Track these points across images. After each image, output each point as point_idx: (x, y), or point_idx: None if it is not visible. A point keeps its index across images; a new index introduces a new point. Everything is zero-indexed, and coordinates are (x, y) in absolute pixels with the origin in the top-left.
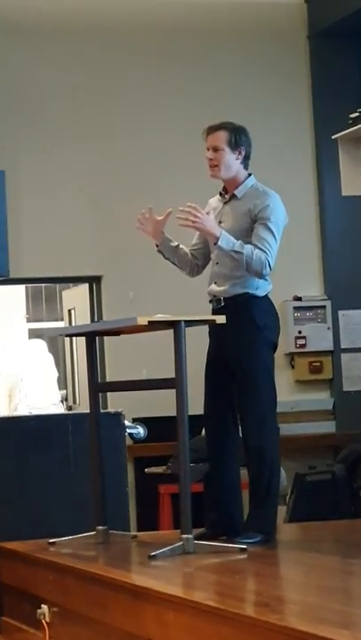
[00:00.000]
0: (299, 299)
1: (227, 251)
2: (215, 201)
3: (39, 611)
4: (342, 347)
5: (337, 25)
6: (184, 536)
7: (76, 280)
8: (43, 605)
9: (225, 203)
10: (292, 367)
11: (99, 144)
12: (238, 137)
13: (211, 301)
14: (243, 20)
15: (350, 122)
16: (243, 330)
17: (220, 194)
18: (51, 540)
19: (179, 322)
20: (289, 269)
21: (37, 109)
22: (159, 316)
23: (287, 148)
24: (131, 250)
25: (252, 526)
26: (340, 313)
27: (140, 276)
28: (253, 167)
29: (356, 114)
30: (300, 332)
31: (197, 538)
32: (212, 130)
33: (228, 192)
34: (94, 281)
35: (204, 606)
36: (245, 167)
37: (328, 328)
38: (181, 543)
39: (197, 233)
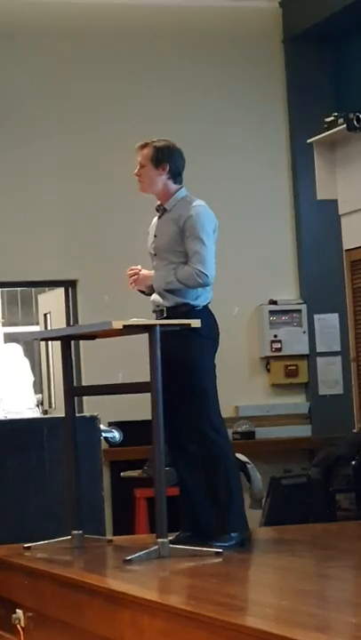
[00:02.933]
0: (274, 302)
1: (165, 287)
2: (156, 217)
3: (14, 615)
4: (318, 350)
5: (312, 29)
6: (159, 540)
7: (52, 284)
8: (18, 610)
9: (159, 217)
10: (268, 371)
11: (74, 147)
12: (161, 154)
13: (154, 311)
14: (217, 25)
15: (325, 126)
16: (186, 337)
17: (156, 209)
18: (26, 545)
19: (154, 326)
20: (264, 273)
21: (8, 112)
22: (134, 320)
23: (263, 151)
24: (106, 254)
25: (224, 528)
26: (316, 317)
27: (116, 279)
28: (230, 172)
29: (332, 118)
30: (275, 336)
31: (173, 542)
32: (139, 147)
33: (160, 207)
34: (70, 285)
35: (179, 610)
36: (177, 182)
37: (304, 332)
38: (157, 547)
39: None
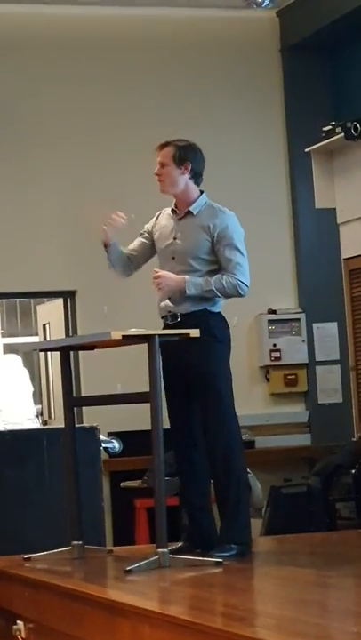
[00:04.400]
0: (273, 312)
1: (198, 295)
2: (165, 217)
3: (15, 627)
4: (317, 359)
5: (309, 38)
6: (160, 550)
7: (51, 295)
8: (18, 621)
9: (179, 219)
10: (268, 380)
11: (72, 158)
12: (184, 153)
13: (165, 317)
14: (215, 34)
15: (323, 135)
16: (203, 343)
17: (173, 210)
18: (26, 556)
19: (153, 336)
20: (263, 282)
21: (6, 124)
22: (133, 331)
23: (261, 161)
24: (105, 264)
25: (226, 539)
26: (315, 326)
27: (115, 290)
28: (228, 180)
29: (329, 127)
30: (274, 345)
31: (174, 552)
32: (160, 146)
33: (180, 209)
34: (69, 295)
35: (180, 621)
36: (197, 184)
37: (303, 341)
38: (157, 557)
39: (138, 239)
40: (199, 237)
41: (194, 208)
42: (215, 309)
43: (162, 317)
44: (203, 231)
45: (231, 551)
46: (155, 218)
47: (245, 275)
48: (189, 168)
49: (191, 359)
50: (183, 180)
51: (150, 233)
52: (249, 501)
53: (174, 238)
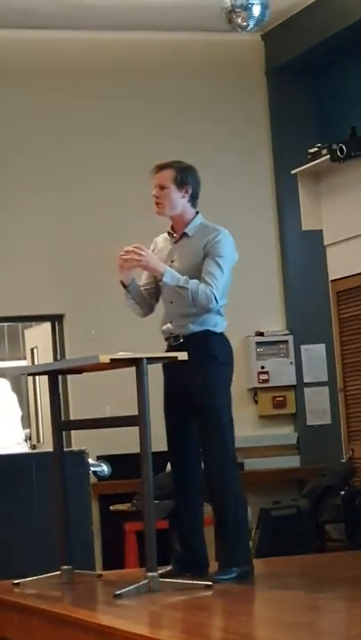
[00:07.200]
0: (261, 334)
1: (171, 286)
2: (162, 240)
3: None
4: (305, 381)
5: (294, 61)
6: (149, 574)
7: (38, 319)
8: None
9: (175, 242)
10: (256, 402)
11: (59, 182)
12: (185, 176)
13: (167, 339)
14: (200, 57)
15: (309, 157)
16: (204, 365)
17: (169, 233)
18: (15, 581)
19: (141, 359)
20: (251, 304)
21: None
22: (121, 354)
23: (247, 183)
24: (92, 288)
25: (227, 562)
26: (303, 347)
27: (102, 313)
28: (214, 203)
29: (315, 149)
30: (262, 368)
31: (163, 575)
32: (159, 168)
33: (177, 231)
34: (56, 319)
35: None
36: (193, 206)
37: (291, 363)
38: (147, 581)
39: (146, 272)
40: (195, 258)
41: (189, 229)
42: (218, 330)
43: (165, 339)
44: (198, 252)
45: (232, 574)
46: (152, 245)
47: (220, 292)
48: (190, 191)
49: (193, 380)
50: (182, 203)
51: None
52: (248, 524)
53: (172, 261)
